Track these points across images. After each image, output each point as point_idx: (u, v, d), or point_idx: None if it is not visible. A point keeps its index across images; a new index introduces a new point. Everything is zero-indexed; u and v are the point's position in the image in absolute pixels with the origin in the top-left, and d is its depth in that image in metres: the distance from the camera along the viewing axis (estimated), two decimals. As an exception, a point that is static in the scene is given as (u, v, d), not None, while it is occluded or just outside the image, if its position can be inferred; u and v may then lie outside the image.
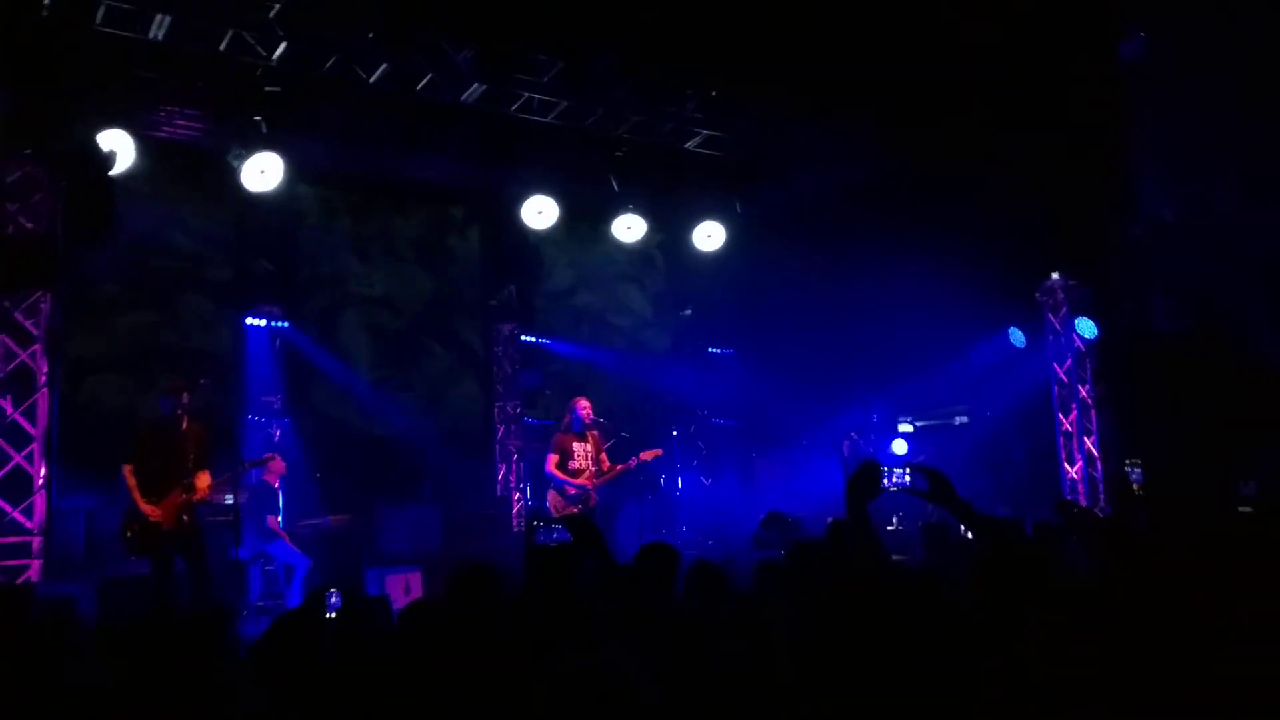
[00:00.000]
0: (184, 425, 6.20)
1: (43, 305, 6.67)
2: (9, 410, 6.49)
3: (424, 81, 8.16)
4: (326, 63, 7.80)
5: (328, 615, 4.54)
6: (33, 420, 6.56)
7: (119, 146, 7.09)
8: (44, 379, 6.60)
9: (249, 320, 9.05)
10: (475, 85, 8.30)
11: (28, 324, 6.62)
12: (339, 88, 8.17)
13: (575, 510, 7.55)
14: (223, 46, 7.39)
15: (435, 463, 9.65)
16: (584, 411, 7.95)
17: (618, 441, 8.41)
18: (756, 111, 9.35)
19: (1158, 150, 9.55)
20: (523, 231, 10.09)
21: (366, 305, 10.29)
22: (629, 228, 9.86)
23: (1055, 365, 10.35)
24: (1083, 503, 10.01)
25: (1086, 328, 10.06)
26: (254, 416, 8.69)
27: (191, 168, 9.03)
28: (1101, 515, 9.75)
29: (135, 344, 8.87)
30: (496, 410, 10.60)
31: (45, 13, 6.75)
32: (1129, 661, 1.97)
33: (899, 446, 10.34)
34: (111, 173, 6.85)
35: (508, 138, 9.25)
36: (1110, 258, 9.97)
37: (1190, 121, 9.26)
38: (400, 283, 10.49)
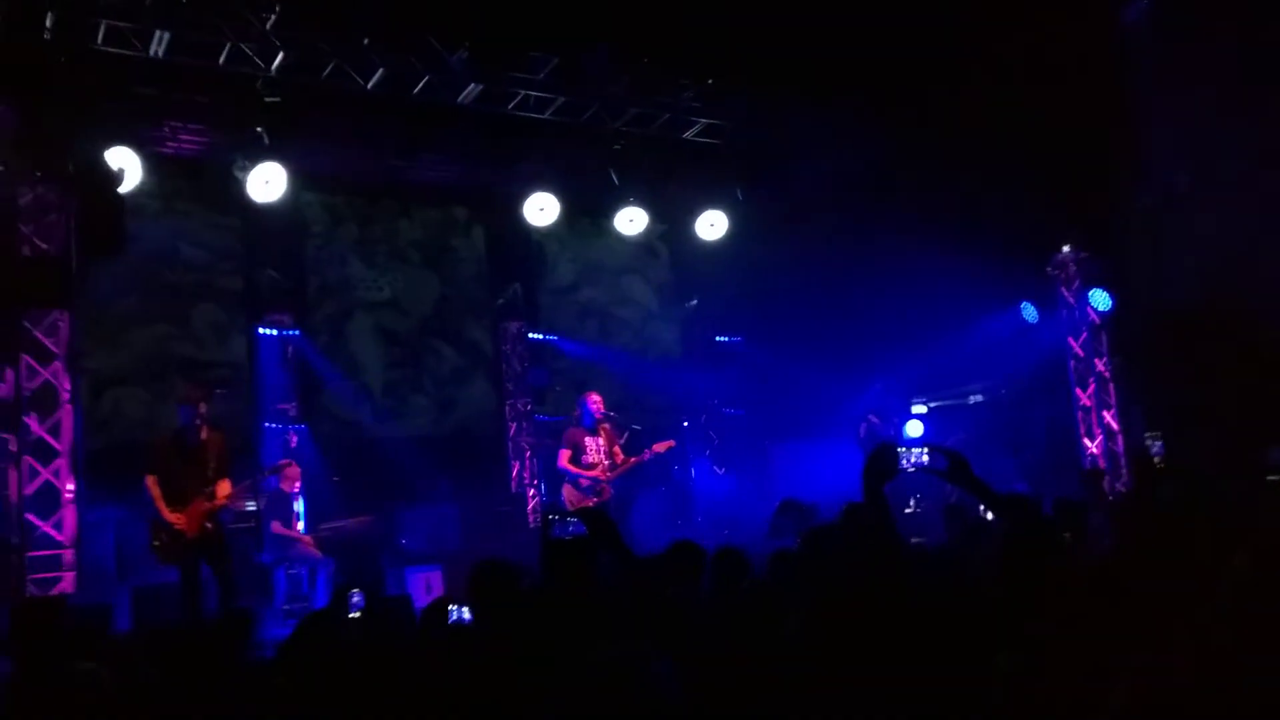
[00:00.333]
0: (203, 434, 6.33)
1: (61, 324, 6.81)
2: (35, 427, 6.63)
3: (420, 84, 8.24)
4: (324, 71, 7.88)
5: (351, 615, 4.66)
6: (58, 436, 6.70)
7: (126, 164, 7.21)
8: (66, 395, 6.74)
9: (261, 329, 9.17)
10: (471, 86, 8.37)
11: (48, 342, 6.76)
12: (337, 95, 8.25)
13: (590, 503, 7.65)
14: (222, 60, 7.48)
15: (450, 462, 9.76)
16: (595, 406, 8.04)
17: (629, 434, 8.50)
18: (754, 97, 9.37)
19: (1169, 116, 9.45)
20: (525, 229, 10.17)
21: (375, 309, 10.40)
22: (631, 220, 9.90)
23: (1070, 339, 10.29)
24: (1105, 478, 10.00)
25: (1100, 299, 10.01)
26: (270, 424, 8.83)
27: (197, 181, 9.18)
28: (1124, 489, 9.76)
29: (152, 357, 9.02)
30: (507, 408, 10.70)
31: (47, 35, 6.86)
32: (1153, 639, 1.95)
33: (914, 427, 10.32)
34: (120, 190, 6.97)
35: (506, 136, 9.33)
36: (1123, 228, 9.90)
37: (1202, 85, 9.15)
38: (407, 285, 10.60)
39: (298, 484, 8.06)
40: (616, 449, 8.14)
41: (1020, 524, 2.81)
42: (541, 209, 9.49)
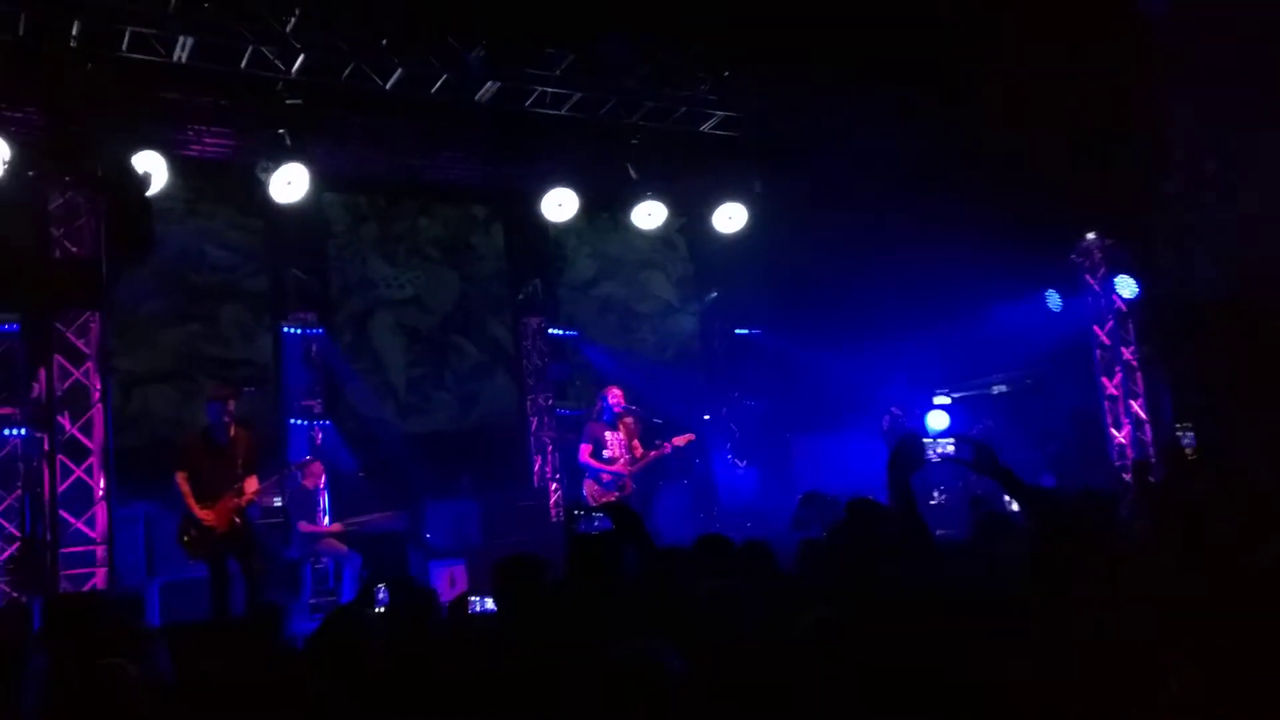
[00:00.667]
0: (231, 432, 6.46)
1: (92, 325, 6.94)
2: (67, 426, 6.77)
3: (438, 84, 8.29)
4: (343, 72, 7.96)
5: (377, 609, 4.74)
6: (89, 435, 6.84)
7: (152, 167, 7.33)
8: (97, 395, 6.88)
9: (285, 328, 9.29)
10: (488, 84, 8.41)
11: (79, 343, 6.89)
12: (357, 96, 8.33)
13: (612, 498, 7.70)
14: (243, 63, 7.57)
15: (473, 457, 9.85)
16: (614, 400, 8.08)
17: (650, 428, 8.53)
18: (772, 88, 9.34)
19: (1196, 102, 9.31)
20: (544, 225, 10.21)
21: (397, 307, 10.50)
22: (649, 214, 9.90)
23: (1096, 328, 10.16)
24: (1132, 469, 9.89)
25: (1127, 287, 9.88)
26: (295, 421, 8.95)
27: (221, 183, 9.32)
28: (1153, 480, 9.64)
29: (180, 356, 9.18)
30: (529, 403, 10.77)
31: (74, 43, 6.99)
32: (1186, 632, 1.96)
33: (938, 418, 10.24)
34: (148, 193, 7.09)
35: (524, 133, 9.37)
36: (1149, 214, 9.78)
37: (1229, 71, 9.01)
38: (428, 283, 10.69)
39: (322, 480, 8.18)
40: (636, 443, 8.18)
41: (1051, 518, 2.78)
42: (560, 205, 9.52)
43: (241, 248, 9.62)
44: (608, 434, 8.10)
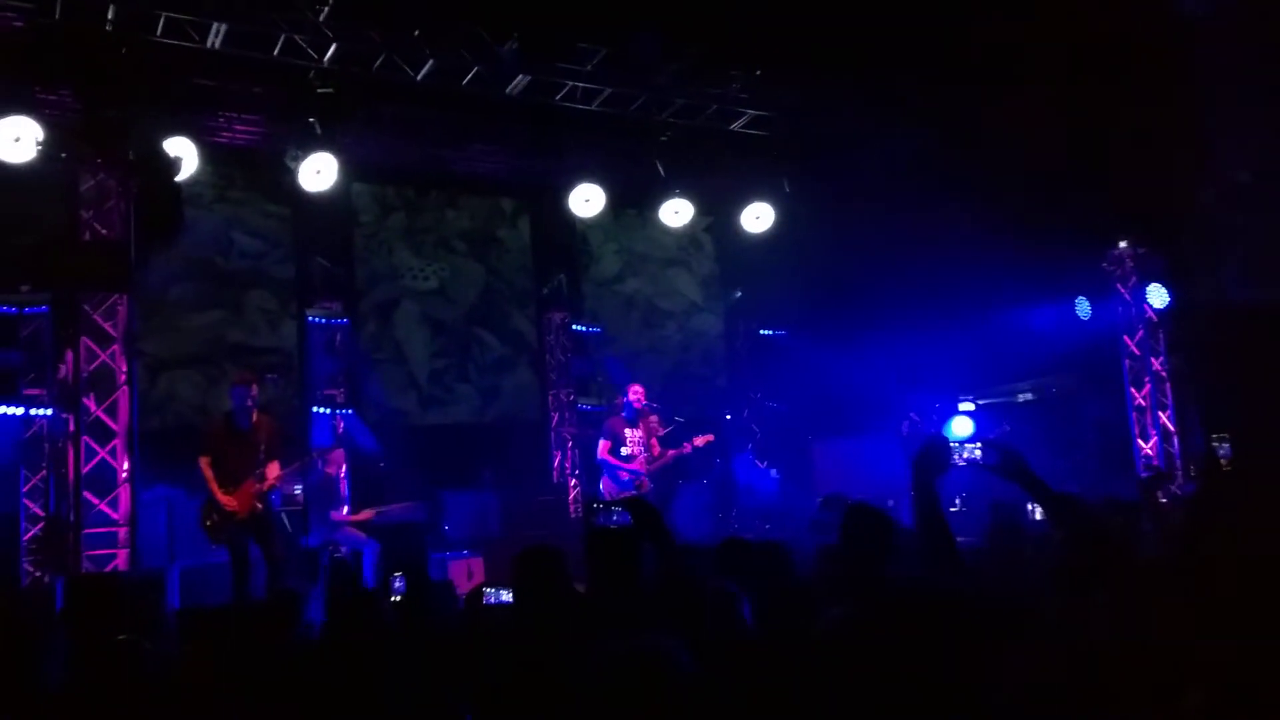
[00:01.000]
0: (254, 417, 6.48)
1: (120, 308, 6.98)
2: (93, 408, 6.82)
3: (469, 76, 8.29)
4: (375, 62, 7.98)
5: (394, 598, 4.73)
6: (114, 417, 6.89)
7: (183, 153, 7.38)
8: (123, 377, 6.92)
9: (310, 317, 9.33)
10: (520, 77, 8.40)
11: (106, 325, 6.94)
12: (388, 86, 8.35)
13: (630, 495, 7.66)
14: (276, 51, 7.61)
15: (493, 450, 9.85)
16: (635, 398, 8.05)
17: (671, 427, 8.49)
18: (803, 88, 9.28)
19: (1232, 109, 9.17)
20: (571, 220, 10.20)
21: (421, 298, 10.52)
22: (676, 212, 9.88)
23: (1126, 337, 10.05)
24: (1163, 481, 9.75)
25: (1158, 296, 9.76)
26: (318, 409, 8.97)
27: (251, 170, 9.37)
28: (1179, 492, 9.50)
29: (206, 342, 9.23)
30: (550, 398, 10.76)
31: (109, 28, 7.04)
32: (1209, 642, 1.93)
33: (962, 425, 10.13)
34: (178, 178, 7.13)
35: (554, 127, 9.36)
36: (1182, 223, 9.64)
37: (1266, 79, 8.85)
38: (454, 275, 10.70)
39: (343, 468, 8.20)
40: (655, 442, 8.14)
41: (1077, 527, 2.71)
42: (587, 200, 9.51)
43: (269, 235, 9.67)
44: (628, 431, 8.06)
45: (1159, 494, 8.94)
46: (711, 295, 12.20)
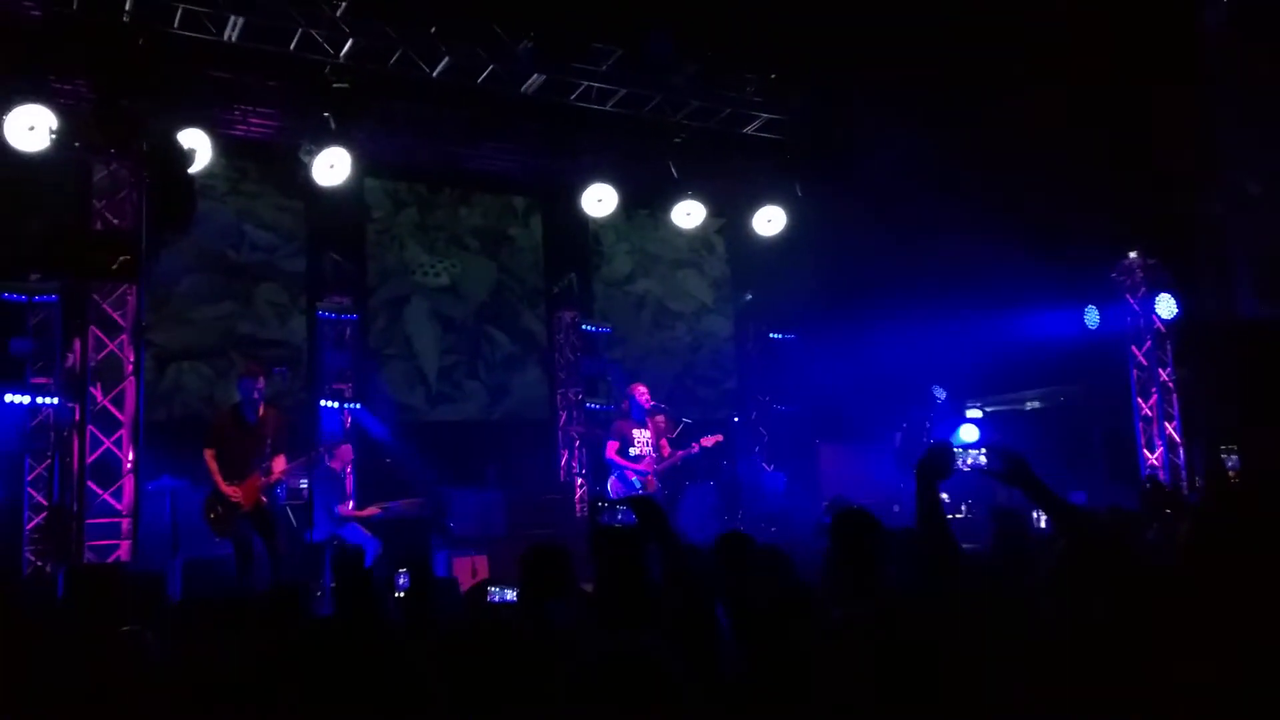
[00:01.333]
0: (261, 410, 6.48)
1: (129, 298, 6.98)
2: (99, 398, 6.82)
3: (485, 73, 8.29)
4: (391, 58, 7.98)
5: (397, 594, 4.70)
6: (121, 407, 6.88)
7: (197, 145, 7.38)
8: (131, 367, 6.92)
9: (321, 312, 9.33)
10: (535, 75, 8.40)
11: (115, 315, 6.94)
12: (403, 82, 8.35)
13: (636, 494, 7.63)
14: (293, 45, 7.62)
15: (500, 448, 9.83)
16: (642, 398, 8.03)
17: (679, 427, 8.46)
18: (817, 93, 9.26)
19: (1242, 121, 9.12)
20: (583, 219, 10.18)
21: (432, 295, 10.51)
22: (688, 214, 9.86)
23: (1134, 348, 10.01)
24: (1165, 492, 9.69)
25: (1166, 306, 9.71)
26: (326, 403, 8.97)
27: (264, 164, 9.38)
28: (1186, 503, 9.44)
29: (215, 334, 9.23)
30: (559, 397, 10.74)
31: (126, 18, 7.05)
32: (1216, 655, 1.91)
33: (968, 432, 10.08)
34: (191, 170, 7.14)
35: (567, 127, 9.35)
36: (1192, 235, 9.59)
37: (1277, 91, 8.81)
38: (465, 272, 10.69)
39: (349, 463, 8.19)
40: (664, 442, 8.11)
41: (1082, 536, 2.67)
42: (600, 200, 9.49)
43: (281, 229, 9.67)
44: (636, 432, 8.04)
45: (1162, 504, 8.90)
46: (722, 297, 12.17)
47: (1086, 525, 2.84)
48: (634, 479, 7.93)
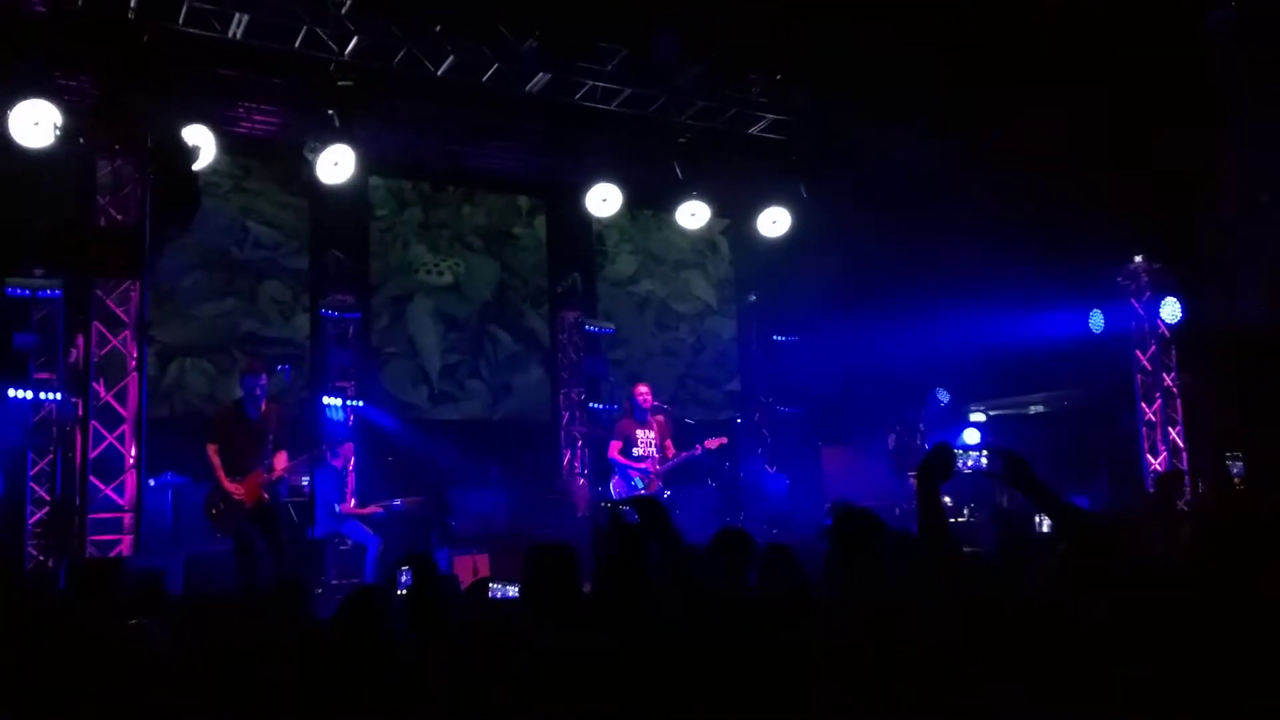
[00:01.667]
0: (263, 407, 6.47)
1: (132, 294, 6.98)
2: (102, 393, 6.82)
3: (489, 72, 8.28)
4: (395, 56, 7.97)
5: (400, 592, 4.68)
6: (124, 403, 6.88)
7: (202, 142, 7.38)
8: (134, 363, 6.91)
9: (324, 310, 9.32)
10: (540, 75, 8.39)
11: (119, 311, 6.93)
12: (408, 81, 8.34)
13: (638, 494, 7.62)
14: (297, 43, 7.62)
15: (502, 448, 9.82)
16: (642, 398, 8.02)
17: (681, 428, 8.45)
18: (823, 94, 9.25)
19: (1251, 127, 9.10)
20: (587, 219, 10.18)
21: (435, 293, 10.51)
22: (693, 214, 9.85)
23: (1138, 352, 10.00)
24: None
25: (1171, 311, 9.70)
26: (328, 401, 8.96)
27: (268, 161, 9.39)
28: (1188, 508, 9.43)
29: (218, 331, 9.23)
30: (561, 397, 10.73)
31: (131, 14, 7.05)
32: (1218, 657, 1.90)
33: (969, 435, 10.08)
34: (196, 167, 7.13)
35: (572, 126, 9.34)
36: (1197, 239, 9.57)
37: (1285, 94, 8.77)
38: (468, 271, 10.69)
39: (350, 461, 8.18)
40: (668, 443, 8.10)
41: (1082, 536, 2.66)
42: (604, 200, 9.49)
43: (284, 226, 9.68)
44: (639, 432, 8.03)
45: (1169, 504, 8.89)
46: (726, 299, 12.16)
47: (1088, 527, 2.83)
48: (636, 479, 7.91)
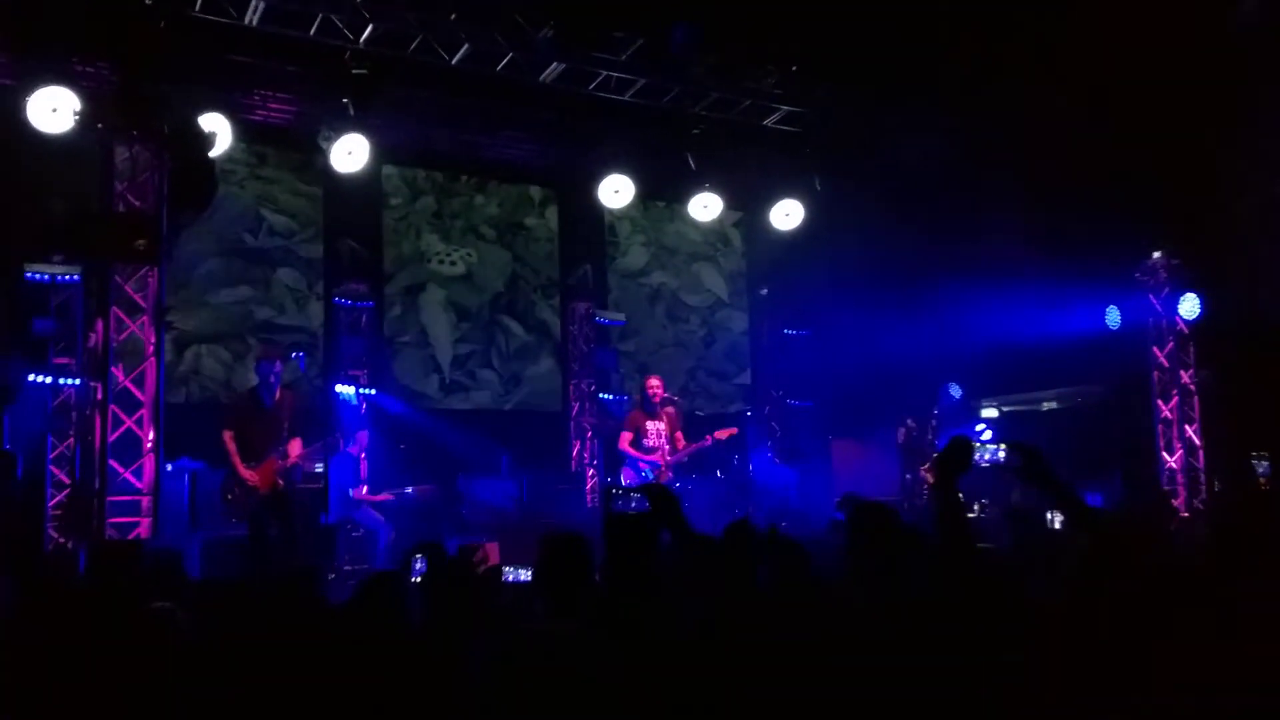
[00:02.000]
0: (277, 394, 6.52)
1: (150, 279, 7.03)
2: (120, 378, 6.88)
3: (504, 61, 8.28)
4: (411, 45, 7.98)
5: (414, 579, 4.72)
6: (141, 387, 6.93)
7: (217, 129, 7.41)
8: (151, 348, 6.97)
9: (337, 299, 9.37)
10: (554, 64, 8.39)
11: (137, 296, 6.99)
12: (422, 69, 8.36)
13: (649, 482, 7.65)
14: (313, 30, 7.63)
15: (512, 438, 9.86)
16: (652, 390, 8.04)
17: (692, 421, 8.47)
18: (839, 86, 9.21)
19: (1273, 122, 9.01)
20: (599, 210, 10.18)
21: (447, 283, 10.54)
22: (705, 206, 9.84)
23: (1155, 349, 9.94)
24: (1182, 494, 9.65)
25: (1190, 307, 9.63)
26: (341, 389, 9.01)
27: (283, 149, 9.42)
28: (1203, 507, 9.40)
29: (232, 318, 9.29)
30: (572, 388, 10.76)
31: (149, 1, 7.08)
32: (1237, 652, 1.91)
33: (982, 432, 10.05)
34: (212, 153, 7.17)
35: (585, 117, 9.34)
36: (1218, 235, 9.50)
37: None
38: (480, 261, 10.72)
39: (364, 448, 8.24)
40: (679, 434, 8.12)
41: (1099, 533, 2.66)
42: (616, 191, 9.49)
43: (299, 214, 9.72)
44: (649, 423, 8.05)
45: (1170, 507, 8.86)
46: (737, 291, 12.15)
47: (1104, 523, 2.83)
48: (646, 470, 7.94)
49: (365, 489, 8.18)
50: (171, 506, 7.14)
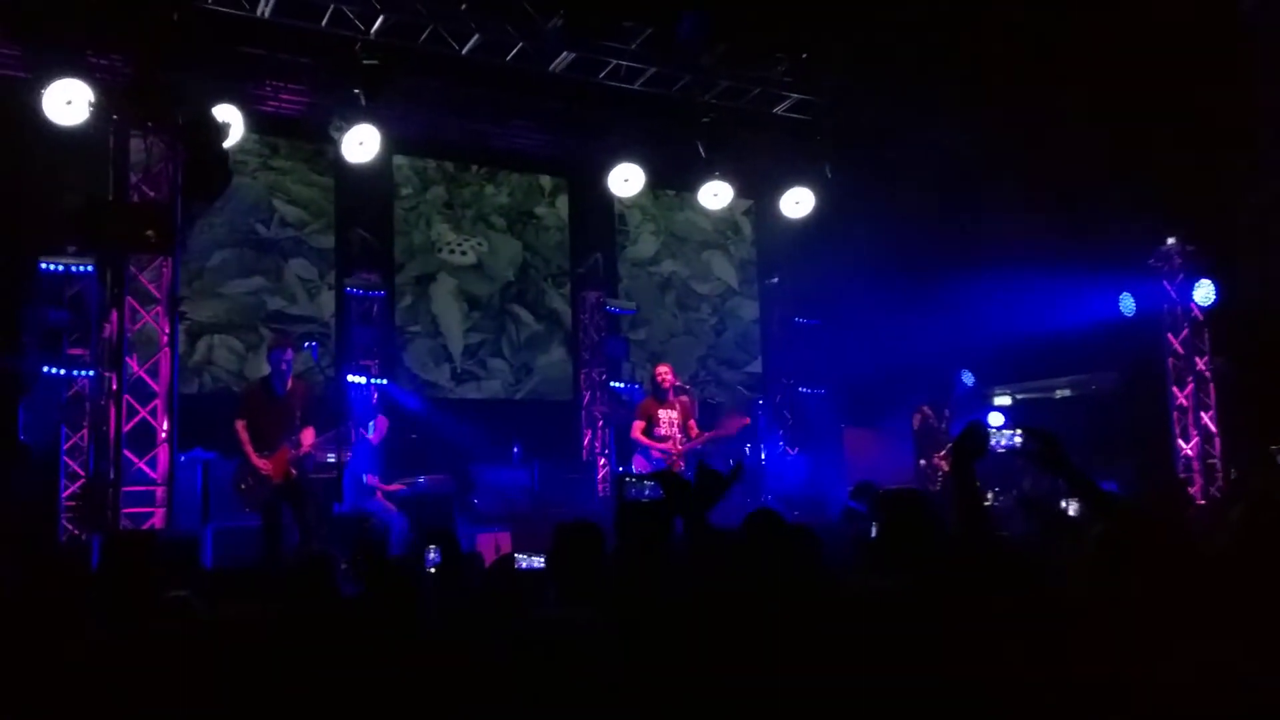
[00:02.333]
0: (289, 383, 6.54)
1: (164, 270, 7.07)
2: (135, 368, 6.93)
3: (514, 51, 8.28)
4: (421, 35, 7.99)
5: (429, 569, 4.75)
6: (156, 377, 6.98)
7: (230, 119, 7.44)
8: (166, 338, 7.01)
9: (349, 289, 9.39)
10: (564, 54, 8.38)
11: (151, 287, 7.03)
12: (433, 60, 8.36)
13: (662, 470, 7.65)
14: (324, 21, 7.65)
15: (524, 427, 9.88)
16: (661, 377, 8.02)
17: (705, 409, 8.47)
18: (849, 73, 9.16)
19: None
20: (609, 199, 10.17)
21: (458, 273, 10.56)
22: (715, 194, 9.81)
23: (1170, 336, 9.88)
24: (1198, 481, 9.60)
25: (1204, 293, 9.56)
26: (353, 379, 9.05)
27: (294, 139, 9.45)
28: (1218, 494, 9.34)
29: (245, 309, 9.34)
30: (583, 377, 10.77)
31: (162, -8, 7.10)
32: (1260, 639, 1.89)
33: (994, 419, 9.98)
34: (226, 144, 7.19)
35: (595, 106, 9.32)
36: (1233, 221, 9.42)
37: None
38: (491, 251, 10.73)
39: (383, 437, 8.29)
40: (691, 423, 8.11)
41: (1120, 520, 2.65)
42: (626, 180, 9.48)
43: (311, 205, 9.75)
44: (661, 412, 8.04)
45: (1185, 495, 8.82)
46: (748, 280, 12.12)
47: (1121, 509, 2.81)
48: (659, 459, 7.94)
49: (377, 478, 8.22)
50: (184, 497, 7.19)
